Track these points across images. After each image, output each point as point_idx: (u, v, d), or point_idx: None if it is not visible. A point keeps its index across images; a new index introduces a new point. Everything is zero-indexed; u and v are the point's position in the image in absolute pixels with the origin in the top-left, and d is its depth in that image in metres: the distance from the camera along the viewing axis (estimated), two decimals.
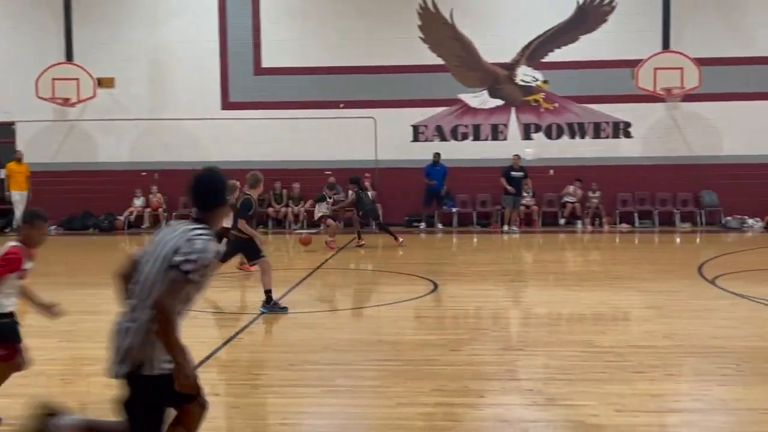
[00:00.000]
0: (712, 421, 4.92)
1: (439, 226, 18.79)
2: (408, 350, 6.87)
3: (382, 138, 19.08)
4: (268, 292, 8.54)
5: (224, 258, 9.37)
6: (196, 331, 6.84)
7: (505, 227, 18.14)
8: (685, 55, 17.79)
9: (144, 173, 19.37)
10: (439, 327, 8.15)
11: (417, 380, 5.86)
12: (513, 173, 18.19)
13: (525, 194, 18.67)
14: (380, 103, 19.10)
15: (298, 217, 19.04)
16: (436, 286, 10.37)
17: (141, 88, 19.34)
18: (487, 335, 7.67)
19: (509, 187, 18.09)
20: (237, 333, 7.62)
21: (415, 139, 19.43)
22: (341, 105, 19.17)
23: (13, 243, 4.85)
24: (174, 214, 18.20)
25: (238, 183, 10.90)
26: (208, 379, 4.83)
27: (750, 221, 18.16)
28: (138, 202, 19.25)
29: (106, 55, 19.11)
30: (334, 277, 11.90)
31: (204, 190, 3.71)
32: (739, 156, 18.40)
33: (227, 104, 19.47)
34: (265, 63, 19.33)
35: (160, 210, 18.99)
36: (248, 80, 19.38)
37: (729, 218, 18.31)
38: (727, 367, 6.16)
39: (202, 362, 6.17)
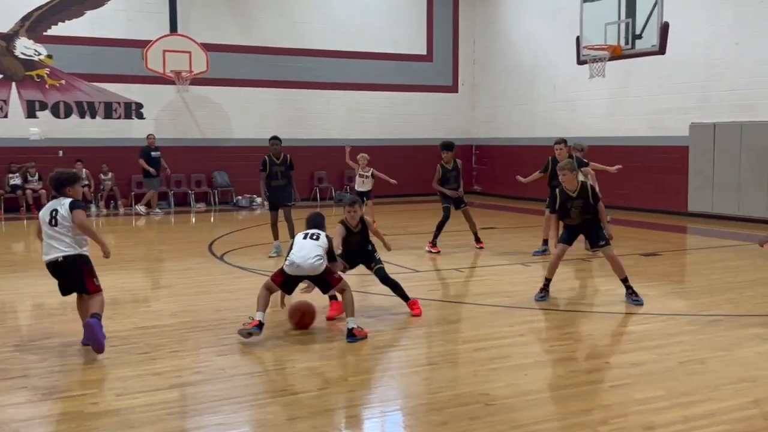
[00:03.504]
0: (210, 390, 5.11)
1: None
2: None
3: None
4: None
5: None
6: None
7: (140, 208, 17.35)
8: (192, 40, 18.30)
9: None
10: None
11: None
12: (153, 153, 17.49)
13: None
14: None
15: None
16: None
17: None
18: None
19: (150, 169, 17.36)
20: None
21: None
22: None
23: None
24: None
25: None
26: None
27: (258, 199, 19.59)
28: None
29: None
30: None
31: None
32: (247, 139, 19.69)
33: None
34: None
35: None
36: None
37: (239, 197, 19.52)
38: (227, 337, 6.48)
39: None
